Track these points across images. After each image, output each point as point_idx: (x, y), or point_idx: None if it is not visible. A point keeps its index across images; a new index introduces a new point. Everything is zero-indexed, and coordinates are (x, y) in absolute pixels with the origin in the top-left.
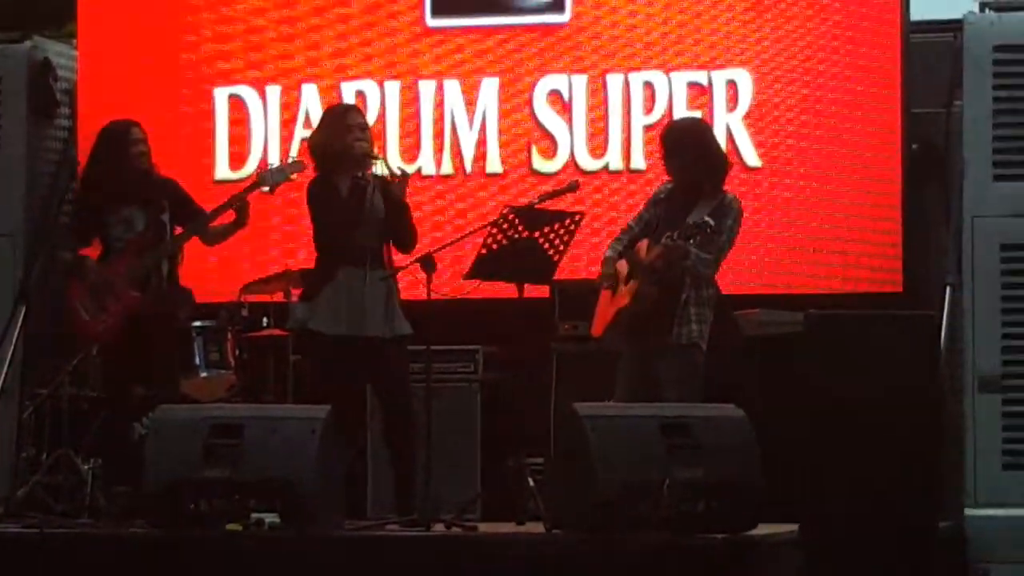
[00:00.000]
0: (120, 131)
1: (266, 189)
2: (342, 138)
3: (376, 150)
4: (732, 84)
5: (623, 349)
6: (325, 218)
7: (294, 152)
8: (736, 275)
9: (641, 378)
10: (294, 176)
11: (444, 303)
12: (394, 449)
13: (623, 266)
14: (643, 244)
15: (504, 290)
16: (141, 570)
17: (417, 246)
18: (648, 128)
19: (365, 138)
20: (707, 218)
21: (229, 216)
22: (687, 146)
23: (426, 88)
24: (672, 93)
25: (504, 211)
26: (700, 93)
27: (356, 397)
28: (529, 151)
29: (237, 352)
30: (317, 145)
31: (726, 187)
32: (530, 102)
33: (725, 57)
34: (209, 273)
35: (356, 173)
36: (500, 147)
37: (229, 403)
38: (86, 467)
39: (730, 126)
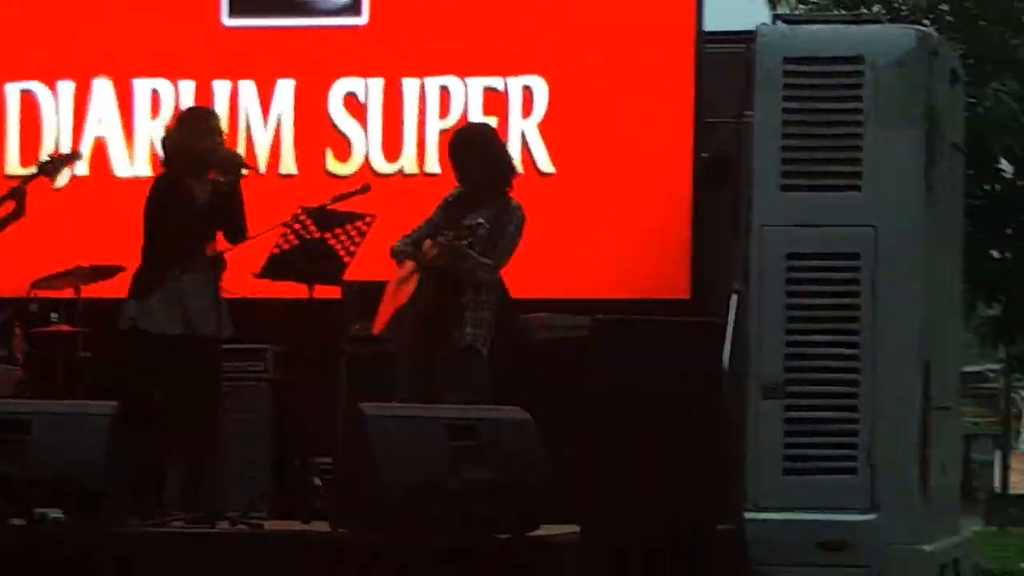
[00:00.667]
0: None
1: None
2: (204, 140)
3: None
4: (528, 90)
5: (402, 347)
6: (173, 222)
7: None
8: (525, 279)
9: (421, 378)
10: (70, 167)
11: (235, 302)
12: (188, 446)
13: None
14: (427, 243)
15: (295, 290)
16: None
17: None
18: (444, 132)
19: (223, 142)
20: (481, 220)
21: (8, 210)
22: (472, 152)
23: (221, 88)
24: (468, 98)
25: (296, 212)
26: (496, 99)
27: (171, 396)
28: (324, 154)
29: (25, 348)
30: (178, 146)
31: (514, 194)
32: (326, 105)
33: (521, 63)
34: None
35: (220, 179)
36: (294, 149)
37: (16, 399)
38: None
39: (525, 132)
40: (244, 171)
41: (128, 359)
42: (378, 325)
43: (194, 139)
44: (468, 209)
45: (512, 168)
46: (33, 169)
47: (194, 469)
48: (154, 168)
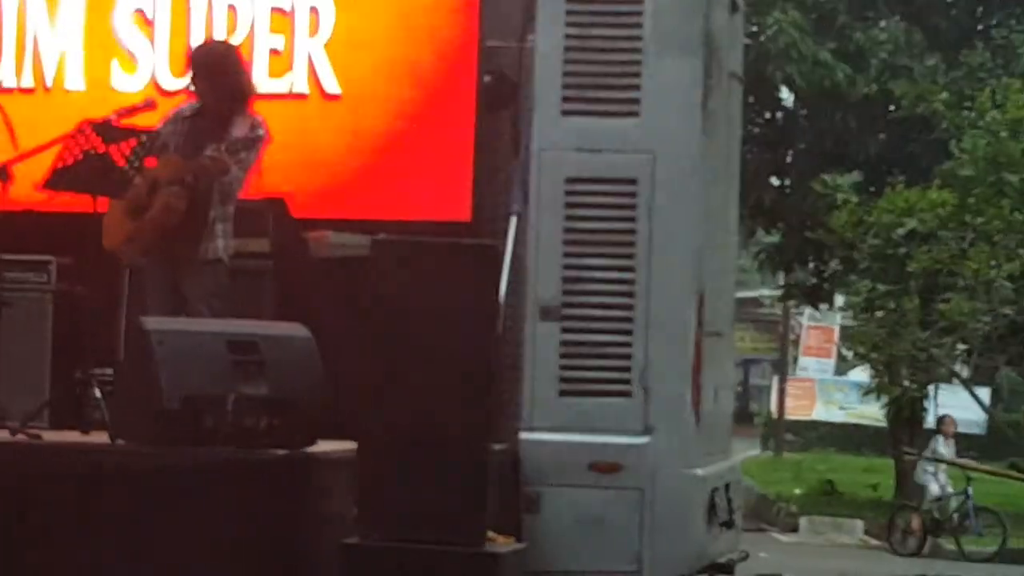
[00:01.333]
0: None
1: None
2: None
3: None
4: (315, 10)
5: (143, 262)
6: None
7: None
8: (310, 199)
9: (169, 292)
10: None
11: (19, 215)
12: None
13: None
14: (167, 159)
15: (81, 203)
16: None
17: None
18: None
19: None
20: (260, 132)
21: None
22: (214, 69)
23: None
24: (255, 17)
25: (80, 125)
26: (283, 17)
27: None
28: (111, 68)
29: None
30: None
31: (300, 113)
32: (113, 19)
33: None
34: None
35: None
36: (82, 63)
37: None
38: None
39: (311, 53)
40: None
41: None
42: (110, 241)
43: None
44: (214, 124)
45: (252, 84)
46: None
47: None
48: None
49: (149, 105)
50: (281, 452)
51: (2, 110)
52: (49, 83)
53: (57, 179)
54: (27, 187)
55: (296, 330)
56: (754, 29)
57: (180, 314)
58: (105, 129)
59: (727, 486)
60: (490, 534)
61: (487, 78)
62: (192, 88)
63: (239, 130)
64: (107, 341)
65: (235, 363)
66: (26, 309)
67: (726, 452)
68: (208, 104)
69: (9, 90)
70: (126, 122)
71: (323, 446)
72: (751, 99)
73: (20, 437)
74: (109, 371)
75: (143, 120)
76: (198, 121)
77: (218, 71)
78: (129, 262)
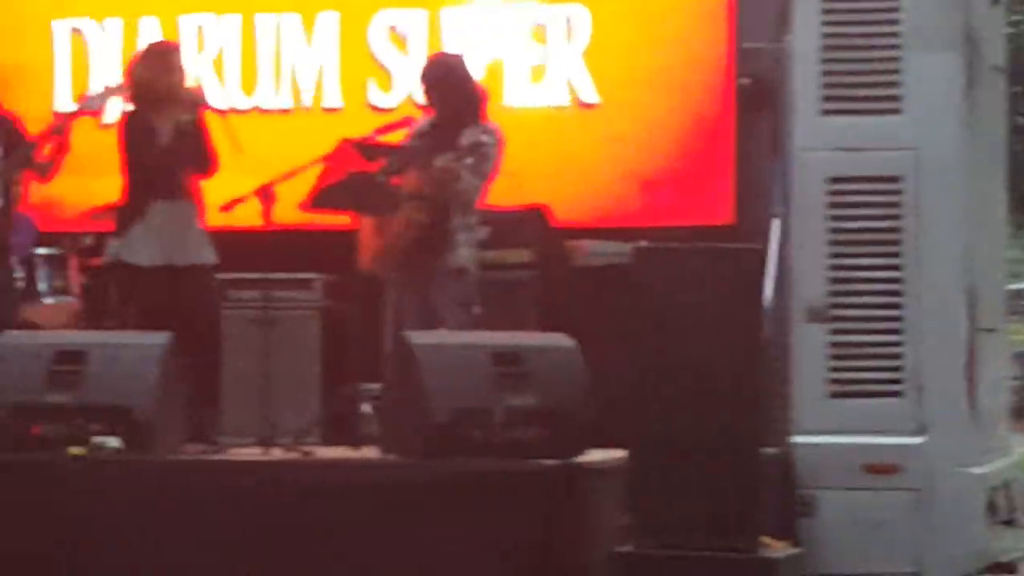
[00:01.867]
0: None
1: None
2: (162, 77)
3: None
4: (570, 20)
5: (396, 277)
6: (142, 158)
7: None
8: (570, 208)
9: (420, 305)
10: (116, 99)
11: (284, 233)
12: (197, 374)
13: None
14: (411, 175)
15: (343, 220)
16: None
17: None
18: (487, 63)
19: (184, 79)
20: (484, 137)
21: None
22: (444, 80)
23: (264, 22)
24: (510, 28)
25: (341, 143)
26: (538, 28)
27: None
28: (367, 85)
29: (81, 279)
30: (142, 81)
31: (555, 123)
32: (368, 37)
33: None
34: (55, 202)
35: (182, 116)
36: (338, 82)
37: (73, 330)
38: None
39: (568, 62)
40: (200, 107)
41: (116, 292)
42: (363, 261)
43: (153, 75)
44: (448, 135)
45: (482, 92)
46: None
47: (201, 391)
48: None
49: (406, 122)
50: (550, 462)
51: (228, 123)
52: (307, 103)
53: (321, 198)
54: (290, 206)
55: (560, 340)
56: (1017, 18)
57: (432, 327)
58: (365, 147)
59: (1007, 484)
60: (765, 539)
61: (744, 80)
62: (426, 101)
63: (467, 138)
64: (374, 356)
65: (501, 375)
66: (294, 327)
67: (1004, 450)
68: (441, 115)
69: (268, 111)
70: (383, 139)
71: (592, 455)
72: (1018, 89)
73: (293, 454)
74: (377, 386)
75: (398, 137)
76: (434, 133)
77: (447, 82)
78: (383, 278)
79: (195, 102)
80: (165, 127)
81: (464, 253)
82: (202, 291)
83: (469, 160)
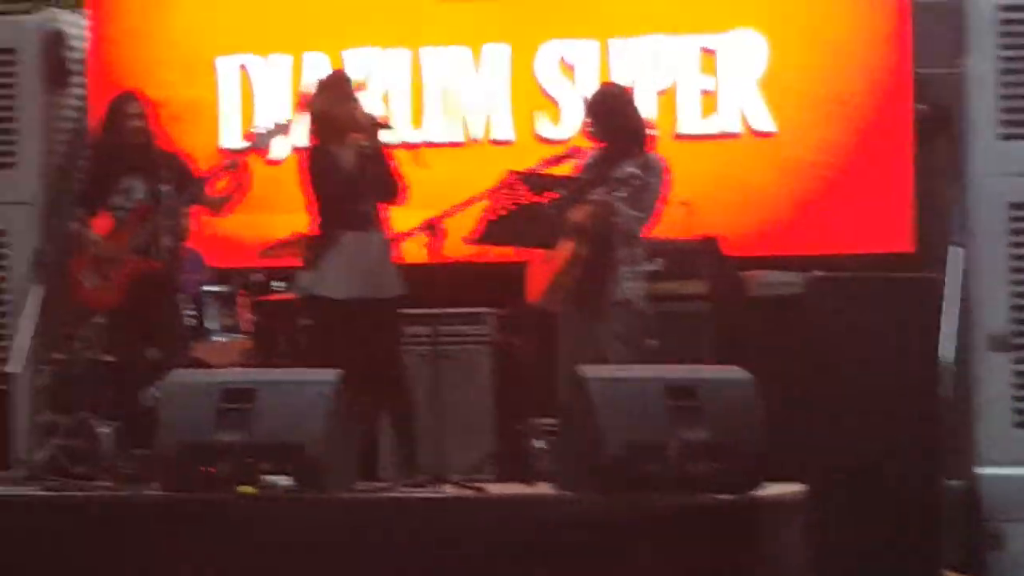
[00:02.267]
0: (117, 103)
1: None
2: (344, 107)
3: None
4: (743, 47)
5: (561, 311)
6: (327, 188)
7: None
8: (744, 238)
9: (586, 339)
10: (282, 136)
11: (454, 267)
12: (391, 410)
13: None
14: (577, 208)
15: (516, 253)
16: (154, 532)
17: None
18: (658, 93)
19: (361, 107)
20: (633, 170)
21: (231, 185)
22: (607, 111)
23: (431, 56)
24: (681, 57)
25: (507, 176)
26: (710, 57)
27: (365, 360)
28: (535, 118)
29: (250, 317)
30: (319, 113)
31: (728, 152)
32: (536, 68)
33: (736, 20)
34: (223, 239)
35: (362, 143)
36: (507, 114)
37: (242, 367)
38: (104, 430)
39: (742, 91)
40: (382, 132)
41: (310, 326)
42: (532, 295)
43: (330, 105)
44: (610, 167)
45: (645, 124)
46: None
47: (399, 430)
48: None
49: (573, 153)
50: (725, 497)
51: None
52: (476, 135)
53: (488, 232)
54: (457, 240)
55: (735, 373)
56: None
57: (599, 361)
58: (532, 179)
59: None
60: (948, 573)
61: (922, 106)
62: (590, 132)
63: (621, 171)
64: (547, 390)
65: (674, 408)
66: (465, 361)
67: None
68: (605, 148)
69: (437, 144)
70: (550, 171)
71: (768, 489)
72: None
73: (465, 491)
74: (550, 421)
75: (566, 169)
76: (600, 165)
77: (609, 113)
78: (551, 311)
79: (374, 127)
80: (346, 155)
81: (628, 286)
82: (390, 325)
83: (621, 192)
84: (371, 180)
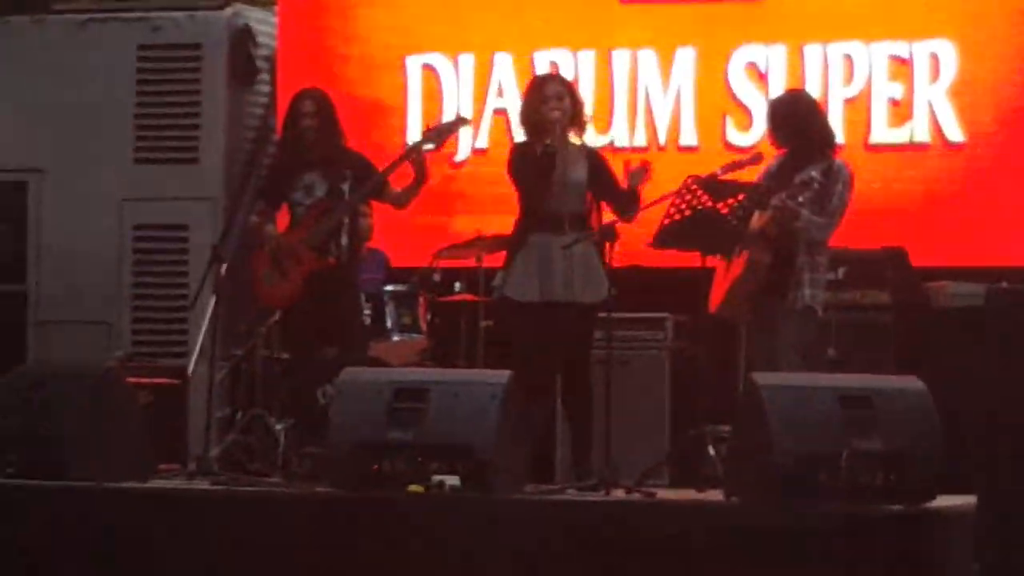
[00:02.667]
0: (294, 101)
1: (430, 146)
2: (537, 108)
3: (578, 120)
4: (934, 56)
5: (743, 320)
6: (519, 185)
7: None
8: (929, 248)
9: (763, 346)
10: (457, 131)
11: (635, 271)
12: (570, 414)
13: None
14: (754, 214)
15: (691, 259)
16: (324, 529)
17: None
18: (848, 101)
19: (560, 108)
20: (814, 174)
21: (409, 179)
22: (791, 117)
23: (620, 58)
24: (872, 65)
25: (687, 181)
26: (901, 65)
27: (547, 362)
28: (724, 123)
29: (429, 317)
30: (520, 114)
31: (918, 162)
32: (726, 73)
33: (927, 28)
34: (403, 239)
35: (546, 141)
36: (694, 119)
37: (418, 367)
38: (279, 427)
39: (932, 101)
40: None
41: (501, 327)
42: (714, 304)
43: (529, 106)
44: (791, 171)
45: (831, 131)
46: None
47: (576, 433)
48: None
49: (755, 160)
50: (897, 508)
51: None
52: (662, 141)
53: (665, 236)
54: (638, 245)
55: (910, 383)
56: None
57: (772, 369)
58: (711, 185)
59: None
60: None
61: None
62: (773, 138)
63: (802, 176)
64: (724, 398)
65: (848, 418)
66: (643, 366)
67: None
68: (789, 154)
69: (621, 149)
70: (730, 177)
71: (942, 501)
72: None
73: (635, 495)
74: (725, 428)
75: (747, 175)
76: (783, 172)
77: (793, 118)
78: (731, 320)
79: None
80: (548, 157)
81: (809, 293)
82: (578, 330)
83: (801, 197)
84: (571, 182)
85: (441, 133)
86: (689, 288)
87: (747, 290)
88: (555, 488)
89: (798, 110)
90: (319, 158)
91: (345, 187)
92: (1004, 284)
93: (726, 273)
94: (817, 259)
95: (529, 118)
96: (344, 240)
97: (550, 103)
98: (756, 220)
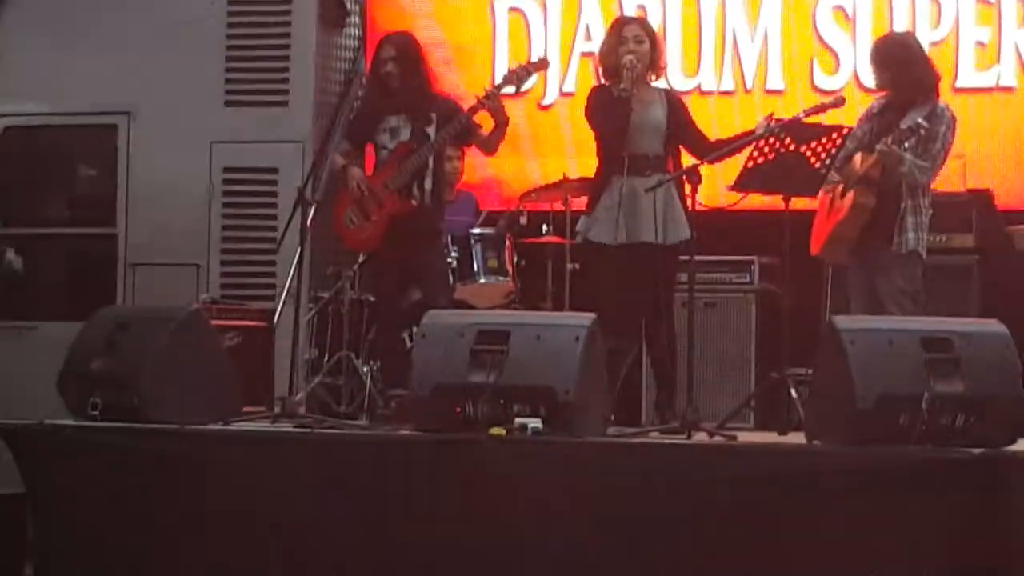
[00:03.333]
0: (378, 46)
1: (512, 89)
2: (615, 50)
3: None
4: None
5: (846, 263)
6: (597, 128)
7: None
8: (1016, 192)
9: (868, 292)
10: (537, 74)
11: (720, 214)
12: (654, 355)
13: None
14: (857, 157)
15: (773, 202)
16: (407, 469)
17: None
18: (934, 44)
19: (638, 51)
20: (920, 120)
21: (491, 125)
22: (896, 59)
23: (708, 2)
24: (959, 8)
25: (771, 124)
26: (988, 8)
27: (635, 305)
28: (811, 67)
29: (515, 259)
30: (598, 55)
31: (998, 105)
32: (814, 17)
33: None
34: (491, 182)
35: (620, 85)
36: (781, 63)
37: (506, 310)
38: (365, 369)
39: (1018, 43)
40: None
41: (587, 271)
42: (815, 246)
43: (607, 48)
44: (895, 114)
45: (936, 72)
46: (503, 80)
47: (660, 379)
48: None
49: (837, 103)
50: (977, 451)
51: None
52: (749, 84)
53: (747, 179)
54: (718, 187)
55: (992, 326)
56: None
57: (879, 312)
58: (794, 128)
59: None
60: None
61: None
62: (876, 82)
63: (908, 121)
64: (809, 341)
65: (929, 361)
66: (730, 309)
67: None
68: (891, 96)
69: (708, 92)
70: (813, 120)
71: (1022, 444)
72: None
73: (717, 438)
74: (806, 371)
75: (833, 117)
76: (883, 115)
77: (897, 61)
78: (832, 262)
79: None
80: (624, 100)
81: (913, 237)
82: (662, 271)
83: (907, 143)
84: (651, 125)
85: (520, 76)
86: (773, 230)
87: (852, 234)
88: (637, 431)
89: (903, 52)
90: (403, 102)
91: (430, 130)
92: None
93: (827, 215)
94: (920, 202)
95: (605, 60)
96: (428, 183)
97: (628, 45)
98: (859, 163)
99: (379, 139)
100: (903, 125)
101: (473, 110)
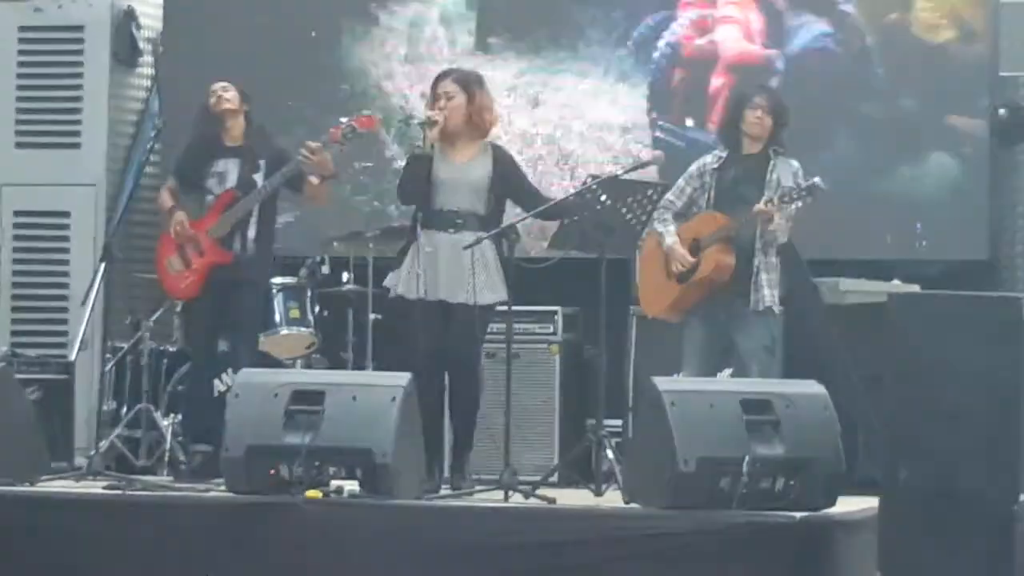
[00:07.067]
0: (213, 87)
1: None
2: (429, 106)
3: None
4: None
5: (677, 319)
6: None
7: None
8: (818, 240)
9: (711, 349)
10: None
11: (527, 266)
12: (454, 416)
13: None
14: (707, 216)
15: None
16: (220, 533)
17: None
18: None
19: (447, 107)
20: (816, 180)
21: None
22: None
23: None
24: None
25: (586, 181)
26: None
27: (433, 362)
28: None
29: (317, 309)
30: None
31: None
32: None
33: None
34: (291, 228)
35: (416, 143)
36: None
37: (308, 362)
38: (166, 422)
39: None
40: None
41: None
42: (654, 307)
43: (425, 104)
44: (757, 169)
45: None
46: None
47: (458, 438)
48: None
49: (657, 161)
50: (799, 514)
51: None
52: None
53: (564, 237)
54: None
55: (811, 387)
56: None
57: (740, 372)
58: (612, 185)
59: None
60: None
61: (1000, 110)
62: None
63: (786, 176)
64: (614, 392)
65: (750, 423)
66: (534, 360)
67: None
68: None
69: None
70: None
71: (842, 505)
72: None
73: (532, 501)
74: (617, 423)
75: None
76: (740, 168)
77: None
78: (669, 320)
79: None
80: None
81: (768, 293)
82: (462, 331)
83: (796, 204)
84: (462, 182)
85: (346, 135)
86: (574, 280)
87: (706, 293)
88: (456, 493)
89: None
90: (233, 145)
91: (258, 177)
92: (895, 293)
93: (664, 276)
94: (771, 260)
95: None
96: (252, 232)
97: (440, 101)
98: (710, 221)
99: (207, 183)
100: (784, 184)
101: (295, 164)
